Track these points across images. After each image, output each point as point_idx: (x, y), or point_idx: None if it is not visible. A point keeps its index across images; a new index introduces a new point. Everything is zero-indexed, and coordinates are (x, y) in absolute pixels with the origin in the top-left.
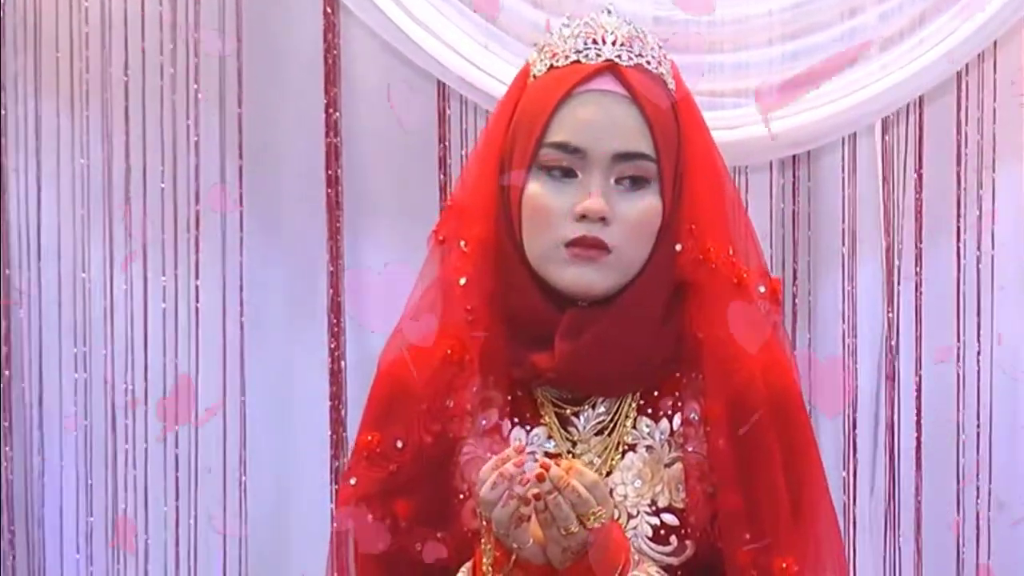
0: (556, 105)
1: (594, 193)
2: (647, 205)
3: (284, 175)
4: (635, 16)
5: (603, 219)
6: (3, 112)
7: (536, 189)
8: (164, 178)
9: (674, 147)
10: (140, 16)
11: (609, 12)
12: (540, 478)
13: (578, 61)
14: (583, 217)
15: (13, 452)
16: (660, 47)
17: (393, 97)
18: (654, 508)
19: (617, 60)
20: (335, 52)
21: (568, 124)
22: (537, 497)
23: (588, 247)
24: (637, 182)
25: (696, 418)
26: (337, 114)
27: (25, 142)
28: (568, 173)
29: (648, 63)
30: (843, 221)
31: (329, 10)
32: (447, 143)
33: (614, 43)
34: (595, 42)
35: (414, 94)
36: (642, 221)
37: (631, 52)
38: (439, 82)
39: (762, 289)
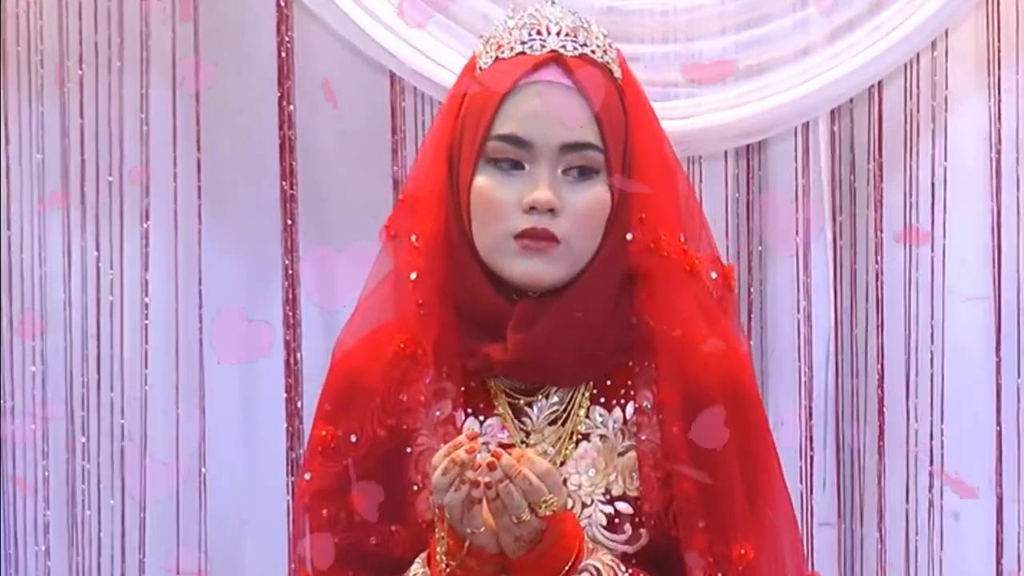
0: (502, 98)
1: (542, 184)
2: (595, 195)
3: (239, 168)
4: (590, 7)
5: (551, 210)
6: None
7: (484, 182)
8: (115, 171)
9: (621, 136)
10: (94, 8)
11: (553, 3)
12: (491, 466)
13: (523, 52)
14: (532, 209)
15: None
16: (605, 36)
17: (346, 89)
18: (608, 497)
19: (562, 51)
20: (288, 45)
21: (514, 116)
22: (488, 485)
23: (537, 239)
24: (585, 172)
25: (649, 406)
26: (291, 107)
27: None
28: (516, 165)
29: (593, 52)
30: (796, 211)
31: (282, 3)
32: (401, 134)
33: (559, 34)
34: (539, 33)
35: (367, 86)
36: (591, 211)
37: (576, 42)
38: (392, 74)
39: (714, 275)
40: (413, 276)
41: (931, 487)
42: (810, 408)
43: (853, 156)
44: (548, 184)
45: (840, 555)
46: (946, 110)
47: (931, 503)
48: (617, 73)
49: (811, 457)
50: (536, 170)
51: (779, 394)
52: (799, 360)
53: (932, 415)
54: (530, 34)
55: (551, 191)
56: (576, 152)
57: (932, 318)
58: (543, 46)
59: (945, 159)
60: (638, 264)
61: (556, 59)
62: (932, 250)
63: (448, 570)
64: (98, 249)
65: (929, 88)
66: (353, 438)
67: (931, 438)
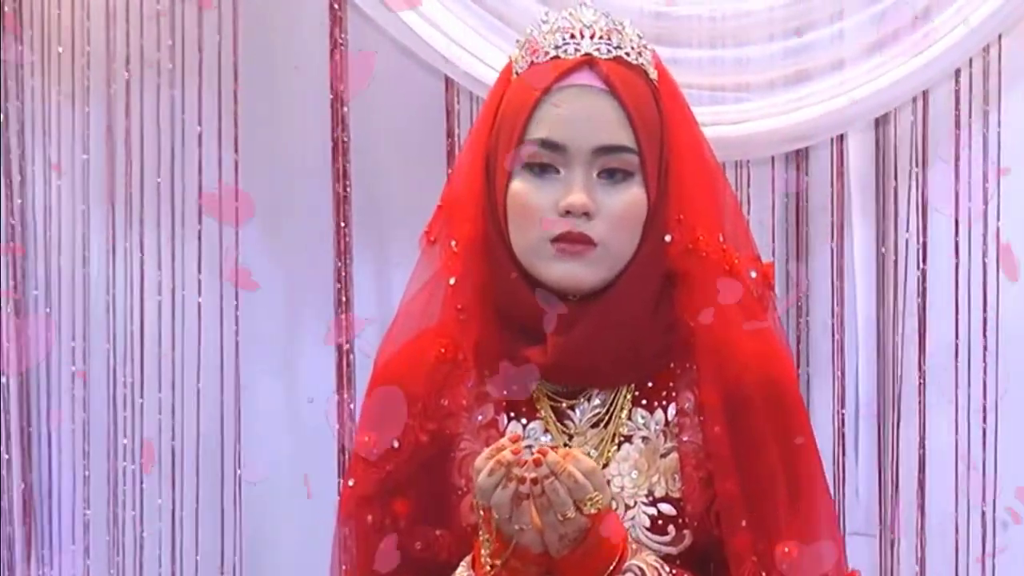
0: (536, 102)
1: (576, 188)
2: (631, 197)
3: (290, 169)
4: (638, 11)
5: (587, 214)
6: (5, 106)
7: (520, 186)
8: (163, 173)
9: (657, 137)
10: (140, 11)
11: (587, 5)
12: (537, 463)
13: (557, 56)
14: (567, 213)
15: (11, 444)
16: (640, 38)
17: (400, 92)
18: (651, 498)
19: (596, 53)
20: (342, 47)
21: (548, 120)
22: (535, 481)
23: (574, 242)
24: (620, 175)
25: (691, 407)
26: (344, 109)
27: (33, 136)
28: (551, 169)
29: (627, 55)
30: (831, 215)
31: (336, 5)
32: (455, 138)
33: (592, 36)
34: (573, 37)
35: (421, 89)
36: (627, 214)
37: (609, 45)
38: (447, 76)
39: (753, 274)
40: (452, 281)
41: (984, 497)
42: (843, 415)
43: (897, 161)
44: (583, 187)
45: (880, 567)
46: (999, 125)
47: (983, 513)
48: (653, 75)
49: (843, 464)
50: (571, 174)
51: (818, 401)
52: (832, 365)
53: (985, 422)
54: (564, 38)
55: (586, 194)
56: (610, 155)
57: (985, 327)
58: (577, 50)
59: (999, 166)
60: (677, 265)
61: (589, 62)
62: (985, 256)
63: (493, 571)
64: (142, 251)
65: (981, 93)
66: (395, 444)
67: (983, 446)
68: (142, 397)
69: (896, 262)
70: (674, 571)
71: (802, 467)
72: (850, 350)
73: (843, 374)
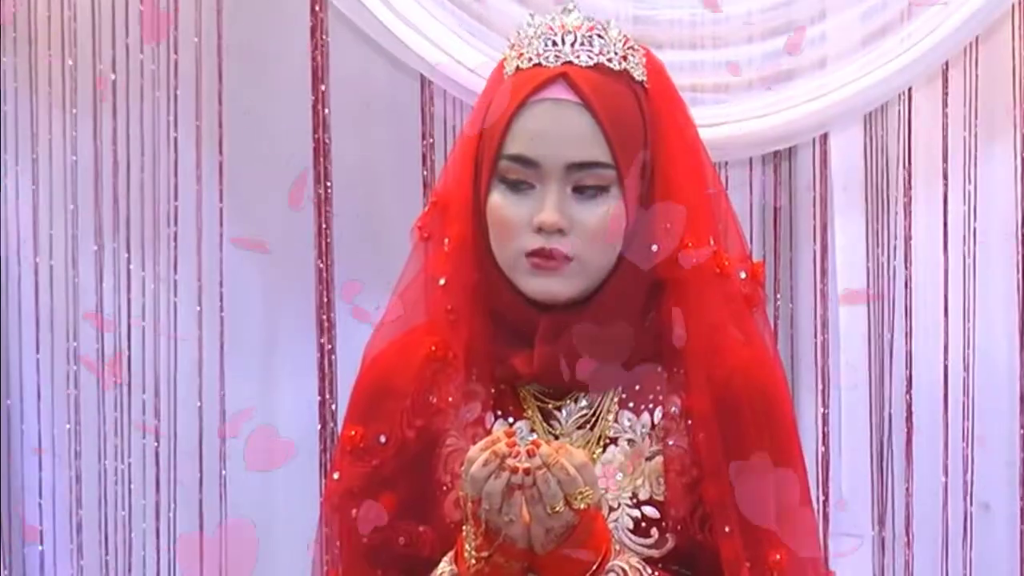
0: (511, 116)
1: (549, 205)
2: (607, 211)
3: (271, 170)
4: (616, 15)
5: (560, 230)
6: None
7: (497, 200)
8: (146, 174)
9: (637, 146)
10: (125, 13)
11: (570, 10)
12: (531, 453)
13: (539, 64)
14: (540, 229)
15: (1, 445)
16: (625, 39)
17: (378, 93)
18: (635, 501)
19: (576, 61)
20: (324, 49)
21: (522, 136)
22: (527, 471)
23: (547, 258)
24: (595, 190)
25: (677, 412)
26: (326, 111)
27: (16, 139)
28: (526, 184)
29: (609, 60)
30: (813, 217)
31: (317, 8)
32: (431, 139)
33: (574, 43)
34: (555, 44)
35: (399, 90)
36: (602, 228)
37: (591, 52)
38: (422, 78)
39: (743, 274)
40: (442, 282)
41: (965, 494)
42: (825, 415)
43: (885, 162)
44: (556, 204)
45: (874, 567)
46: (976, 118)
47: (965, 511)
48: (640, 76)
49: (827, 462)
50: (545, 189)
51: (803, 402)
52: (815, 367)
53: (964, 419)
54: (546, 45)
55: (558, 212)
56: (583, 171)
57: (964, 319)
58: (557, 57)
59: (975, 166)
60: (665, 273)
61: (565, 74)
62: (964, 255)
63: (476, 565)
64: (128, 251)
65: (962, 95)
66: (382, 439)
67: (964, 441)
68: (130, 398)
69: (885, 262)
70: (656, 574)
71: (789, 473)
72: (833, 351)
73: (826, 376)
